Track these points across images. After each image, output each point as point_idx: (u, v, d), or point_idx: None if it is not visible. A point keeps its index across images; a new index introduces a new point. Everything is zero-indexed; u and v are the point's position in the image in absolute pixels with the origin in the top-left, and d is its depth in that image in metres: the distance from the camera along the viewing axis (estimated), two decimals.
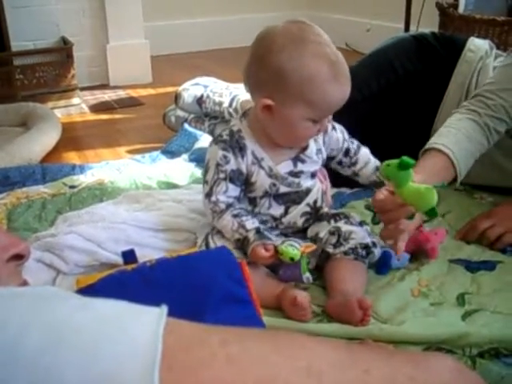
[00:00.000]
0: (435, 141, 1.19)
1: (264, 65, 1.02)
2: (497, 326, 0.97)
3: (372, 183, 1.19)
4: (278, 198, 1.11)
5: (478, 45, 1.45)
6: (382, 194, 1.04)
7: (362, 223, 1.18)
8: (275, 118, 1.03)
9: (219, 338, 0.41)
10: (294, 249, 1.01)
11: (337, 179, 1.29)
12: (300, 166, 1.11)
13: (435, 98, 1.45)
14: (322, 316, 1.02)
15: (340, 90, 1.02)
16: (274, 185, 1.09)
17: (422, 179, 1.03)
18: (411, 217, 1.04)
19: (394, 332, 0.95)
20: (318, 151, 1.13)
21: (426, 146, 1.19)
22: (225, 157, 1.06)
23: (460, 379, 0.49)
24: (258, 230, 1.04)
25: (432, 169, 1.13)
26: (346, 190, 1.50)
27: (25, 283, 0.65)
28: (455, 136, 1.18)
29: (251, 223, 1.05)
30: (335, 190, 1.48)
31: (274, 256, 1.02)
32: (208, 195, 1.08)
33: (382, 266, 1.14)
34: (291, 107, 1.01)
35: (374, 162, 1.18)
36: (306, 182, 1.12)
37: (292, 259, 1.00)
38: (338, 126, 1.17)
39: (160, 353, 0.36)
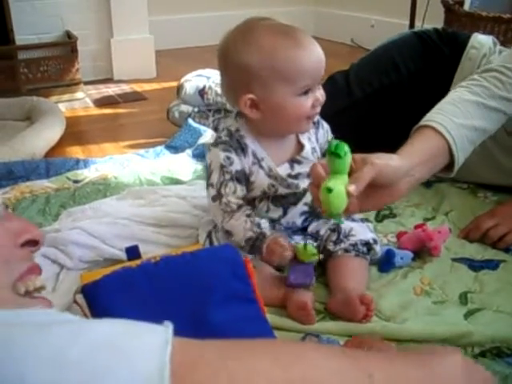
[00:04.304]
0: (435, 119, 1.05)
1: (228, 69, 1.04)
2: (499, 325, 0.97)
3: None
4: (276, 200, 1.10)
5: (481, 41, 1.43)
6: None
7: (363, 220, 1.18)
8: (264, 110, 1.02)
9: (218, 355, 0.41)
10: (315, 248, 1.00)
11: None
12: (297, 168, 1.09)
13: (438, 96, 1.43)
14: (324, 314, 1.02)
15: (308, 53, 1.00)
16: (273, 185, 1.07)
17: (414, 163, 0.95)
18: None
19: (397, 330, 0.95)
20: (313, 150, 1.12)
21: (424, 122, 1.05)
22: (228, 158, 1.04)
23: (470, 375, 0.49)
24: (273, 228, 1.04)
25: (426, 152, 1.00)
26: None
27: (35, 268, 0.65)
28: (458, 117, 1.05)
29: (264, 222, 1.04)
30: None
31: (291, 254, 0.99)
32: (216, 198, 1.05)
33: (385, 264, 1.15)
34: (271, 91, 1.01)
35: None
36: (303, 183, 1.10)
37: (314, 255, 0.99)
38: (325, 124, 1.16)
39: (168, 380, 0.36)
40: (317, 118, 1.13)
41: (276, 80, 1.00)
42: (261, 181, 1.07)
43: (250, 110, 1.03)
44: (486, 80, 1.12)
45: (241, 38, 1.02)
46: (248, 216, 1.04)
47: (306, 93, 1.01)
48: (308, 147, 1.11)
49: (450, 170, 1.05)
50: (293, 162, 1.09)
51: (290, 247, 1.00)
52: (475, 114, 1.07)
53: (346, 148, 0.81)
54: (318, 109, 1.04)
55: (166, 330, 0.39)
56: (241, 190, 1.06)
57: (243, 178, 1.06)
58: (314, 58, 1.01)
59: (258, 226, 1.03)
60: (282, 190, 1.08)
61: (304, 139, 1.11)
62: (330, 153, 0.81)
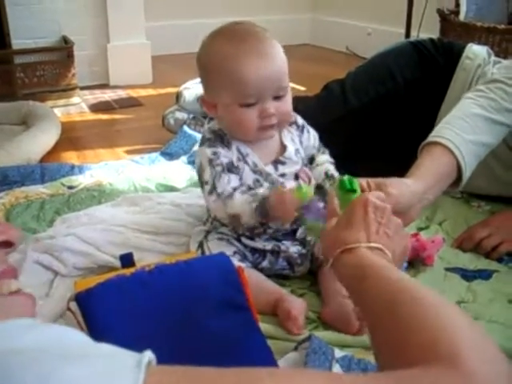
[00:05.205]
0: (444, 134, 1.04)
1: (198, 69, 1.10)
2: (492, 336, 0.96)
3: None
4: None
5: (476, 52, 1.44)
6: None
7: None
8: (219, 112, 1.06)
9: None
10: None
11: None
12: (281, 169, 1.10)
13: (434, 106, 1.45)
14: (317, 323, 1.02)
15: (257, 66, 0.99)
16: (258, 181, 1.08)
17: (428, 186, 0.96)
18: None
19: None
20: (297, 151, 1.13)
21: (432, 138, 1.05)
22: (214, 153, 1.06)
23: None
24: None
25: (438, 171, 1.01)
26: None
27: (10, 271, 0.65)
28: (468, 133, 1.05)
29: (261, 190, 1.03)
30: None
31: (295, 200, 0.94)
32: (212, 191, 1.04)
33: None
34: (218, 96, 1.05)
35: (327, 167, 1.14)
36: (289, 184, 1.09)
37: (308, 193, 0.94)
38: (312, 131, 1.17)
39: None
40: (301, 121, 1.15)
41: (219, 85, 1.03)
42: (246, 176, 1.07)
43: (209, 110, 1.08)
44: (492, 91, 1.12)
45: (207, 41, 1.08)
46: (243, 193, 1.03)
47: (251, 105, 1.01)
48: (291, 148, 1.12)
49: (456, 186, 1.06)
50: (276, 163, 1.10)
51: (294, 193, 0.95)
52: (483, 130, 1.08)
53: (357, 181, 0.81)
54: (273, 119, 1.03)
55: (137, 367, 0.39)
56: (234, 180, 1.05)
57: (234, 170, 1.07)
58: (262, 71, 0.99)
59: (257, 194, 1.01)
60: (266, 186, 1.07)
61: (287, 140, 1.12)
62: (344, 190, 0.79)
